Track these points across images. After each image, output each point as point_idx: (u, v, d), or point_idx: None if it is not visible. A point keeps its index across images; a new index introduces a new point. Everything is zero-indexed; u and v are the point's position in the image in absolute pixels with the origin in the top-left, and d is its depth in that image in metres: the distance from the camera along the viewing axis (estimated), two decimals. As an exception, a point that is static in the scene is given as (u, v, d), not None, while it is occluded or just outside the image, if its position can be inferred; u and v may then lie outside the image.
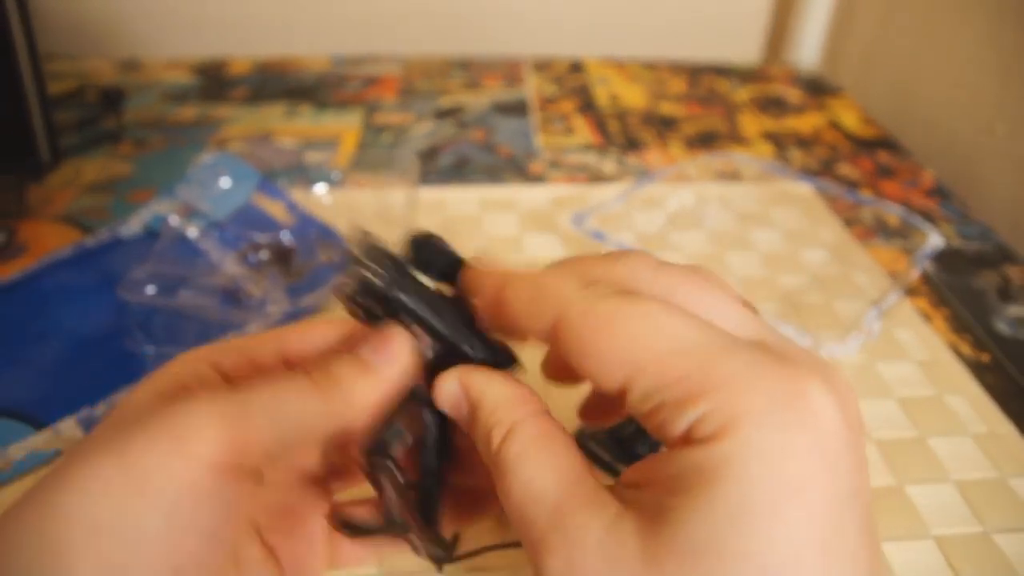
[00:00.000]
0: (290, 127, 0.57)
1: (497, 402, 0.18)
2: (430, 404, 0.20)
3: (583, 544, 0.15)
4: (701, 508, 0.14)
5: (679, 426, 0.15)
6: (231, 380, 0.20)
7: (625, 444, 0.27)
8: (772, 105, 0.64)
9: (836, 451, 0.15)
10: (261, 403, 0.17)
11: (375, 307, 0.20)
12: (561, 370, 0.22)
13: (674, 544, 0.14)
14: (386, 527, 0.19)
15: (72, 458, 0.16)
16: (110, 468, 0.16)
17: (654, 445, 0.26)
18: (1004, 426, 0.32)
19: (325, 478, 0.22)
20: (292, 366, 0.21)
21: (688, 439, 0.15)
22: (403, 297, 0.19)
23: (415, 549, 0.20)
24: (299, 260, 0.39)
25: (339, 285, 0.20)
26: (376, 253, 0.19)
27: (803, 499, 0.14)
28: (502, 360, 0.21)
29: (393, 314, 0.20)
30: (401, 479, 0.19)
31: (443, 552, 0.20)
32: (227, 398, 0.17)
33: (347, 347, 0.20)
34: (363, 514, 0.19)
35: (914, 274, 0.37)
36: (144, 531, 0.15)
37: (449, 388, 0.19)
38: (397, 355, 0.19)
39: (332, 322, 0.21)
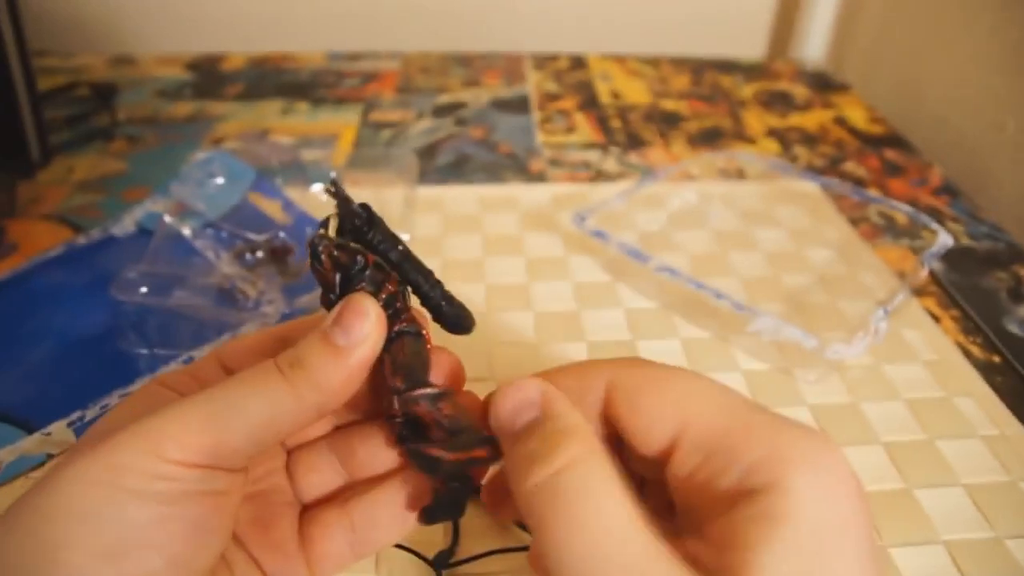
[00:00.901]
0: (286, 124, 0.56)
1: (575, 425, 0.17)
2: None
3: None
4: (778, 550, 0.15)
5: (731, 476, 0.16)
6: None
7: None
8: (777, 102, 0.63)
9: (860, 501, 0.16)
10: (231, 401, 0.17)
11: (351, 258, 0.19)
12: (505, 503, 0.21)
13: None
14: (458, 441, 0.19)
15: (56, 465, 0.17)
16: (91, 465, 0.16)
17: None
18: (1014, 428, 0.32)
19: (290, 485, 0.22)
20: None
21: (742, 491, 0.16)
22: (387, 246, 0.20)
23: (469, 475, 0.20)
24: (296, 260, 0.39)
25: (317, 236, 0.19)
26: (352, 203, 0.20)
27: (850, 538, 0.16)
28: (464, 317, 0.21)
29: (363, 268, 0.19)
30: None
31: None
32: (194, 400, 0.17)
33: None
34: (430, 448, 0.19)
35: (922, 274, 0.37)
36: (131, 520, 0.16)
37: (530, 393, 0.18)
38: (369, 333, 0.18)
39: (263, 331, 0.22)
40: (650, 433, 0.18)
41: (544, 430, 0.17)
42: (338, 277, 0.19)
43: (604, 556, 0.15)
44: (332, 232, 0.20)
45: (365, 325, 0.18)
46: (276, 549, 0.20)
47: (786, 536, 0.15)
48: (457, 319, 0.21)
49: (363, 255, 0.19)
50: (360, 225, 0.20)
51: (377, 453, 0.21)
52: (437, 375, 0.21)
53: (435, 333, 0.21)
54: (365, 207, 0.20)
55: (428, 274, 0.21)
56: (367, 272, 0.19)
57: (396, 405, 0.19)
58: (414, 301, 0.21)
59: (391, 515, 0.21)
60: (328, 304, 0.20)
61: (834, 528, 0.15)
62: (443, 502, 0.20)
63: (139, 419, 0.17)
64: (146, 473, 0.16)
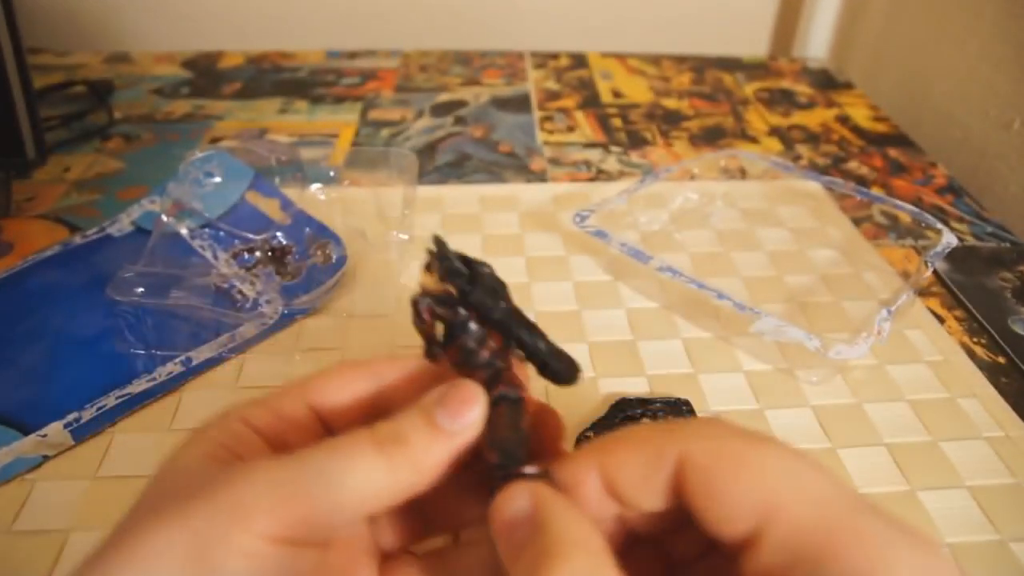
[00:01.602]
0: (285, 123, 0.56)
1: (572, 537, 0.15)
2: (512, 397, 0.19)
3: None
4: None
5: None
6: (267, 439, 0.19)
7: None
8: (780, 100, 0.62)
9: None
10: (323, 472, 0.16)
11: (453, 313, 0.19)
12: None
13: None
14: None
15: (129, 527, 0.16)
16: (173, 538, 0.15)
17: None
18: (1019, 430, 0.32)
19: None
20: (324, 421, 0.20)
21: None
22: (490, 304, 0.19)
23: None
24: (294, 259, 0.38)
25: (419, 294, 0.19)
26: (454, 262, 0.19)
27: None
28: (570, 370, 0.20)
29: (465, 321, 0.19)
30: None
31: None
32: (286, 467, 0.16)
33: (380, 396, 0.19)
34: None
35: (926, 274, 0.36)
36: None
37: (521, 502, 0.17)
38: (475, 420, 0.18)
39: (353, 368, 0.20)
40: (728, 520, 0.15)
41: (538, 545, 0.15)
42: (440, 328, 0.19)
43: None
44: (433, 277, 0.19)
45: (473, 413, 0.18)
46: None
47: None
48: (563, 373, 0.20)
49: (465, 308, 0.19)
50: (461, 287, 0.19)
51: (465, 504, 0.20)
52: (536, 438, 0.19)
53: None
54: (467, 263, 0.19)
55: (532, 328, 0.20)
56: (470, 325, 0.19)
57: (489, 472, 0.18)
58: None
59: (487, 568, 0.19)
60: (432, 356, 0.19)
61: None
62: None
63: (218, 481, 0.16)
64: (233, 549, 0.15)
